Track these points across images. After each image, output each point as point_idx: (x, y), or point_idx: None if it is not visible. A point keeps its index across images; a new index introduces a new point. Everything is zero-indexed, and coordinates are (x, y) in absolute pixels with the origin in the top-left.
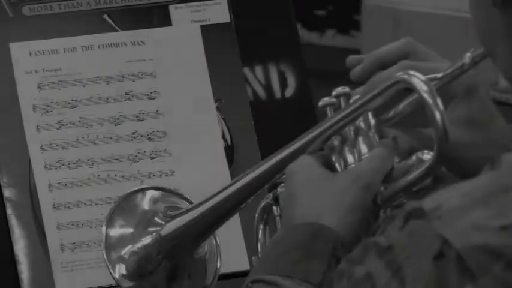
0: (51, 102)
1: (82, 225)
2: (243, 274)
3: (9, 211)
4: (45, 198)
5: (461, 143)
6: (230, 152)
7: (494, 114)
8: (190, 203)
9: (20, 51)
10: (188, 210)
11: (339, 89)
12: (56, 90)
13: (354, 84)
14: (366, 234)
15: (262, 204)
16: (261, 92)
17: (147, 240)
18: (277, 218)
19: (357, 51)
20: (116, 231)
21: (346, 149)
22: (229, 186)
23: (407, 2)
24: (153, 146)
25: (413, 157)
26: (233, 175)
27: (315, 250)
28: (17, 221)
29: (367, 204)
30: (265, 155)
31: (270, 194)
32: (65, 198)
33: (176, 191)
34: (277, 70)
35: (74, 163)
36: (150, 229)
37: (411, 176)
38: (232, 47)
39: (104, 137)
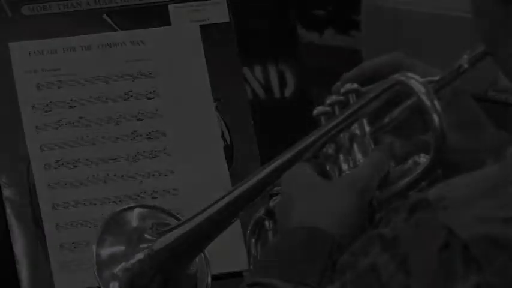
0: (51, 102)
1: (81, 225)
2: (243, 274)
3: (8, 211)
4: (44, 198)
5: (453, 147)
6: (229, 151)
7: (482, 118)
8: (177, 219)
9: (19, 51)
10: (181, 224)
11: (333, 98)
12: (55, 90)
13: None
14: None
15: (254, 218)
16: (260, 92)
17: (139, 255)
18: (269, 232)
19: (356, 52)
20: (106, 250)
21: (341, 156)
22: (223, 197)
23: (407, 2)
24: (152, 146)
25: (410, 161)
26: (232, 175)
27: (312, 252)
28: (17, 221)
29: (363, 208)
30: (264, 154)
31: (262, 208)
32: (64, 198)
33: (162, 207)
34: (276, 70)
35: (73, 163)
36: (141, 245)
37: (407, 179)
38: (232, 46)
39: (103, 137)
